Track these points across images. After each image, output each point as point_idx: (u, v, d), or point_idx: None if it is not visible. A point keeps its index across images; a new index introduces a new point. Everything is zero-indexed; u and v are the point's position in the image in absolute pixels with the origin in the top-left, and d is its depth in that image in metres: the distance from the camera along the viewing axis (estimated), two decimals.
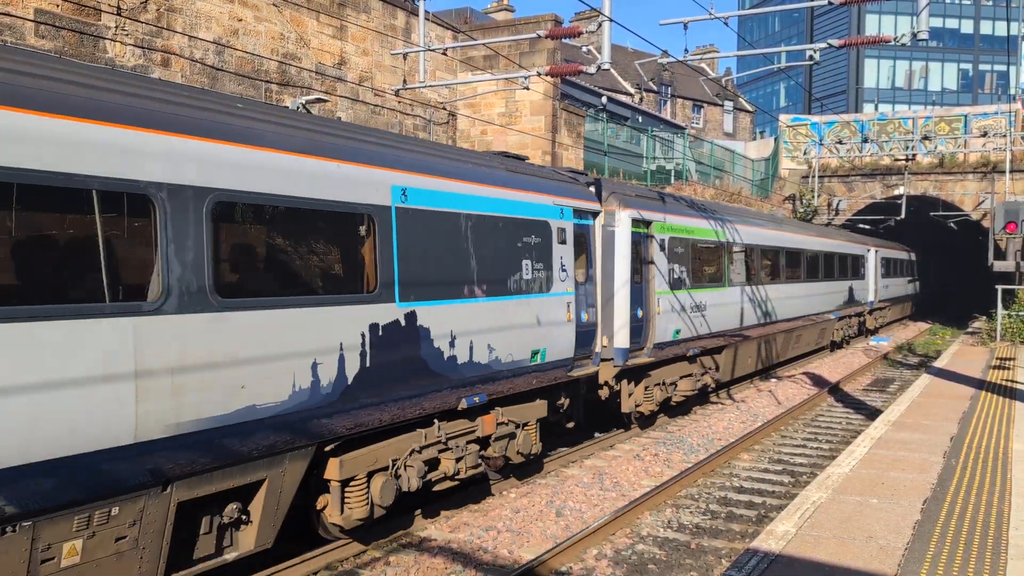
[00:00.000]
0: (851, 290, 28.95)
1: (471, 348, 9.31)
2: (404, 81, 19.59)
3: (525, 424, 10.74)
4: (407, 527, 9.40)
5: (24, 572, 5.31)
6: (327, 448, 7.71)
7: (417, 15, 18.78)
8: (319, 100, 16.96)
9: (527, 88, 16.37)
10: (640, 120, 38.28)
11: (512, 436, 10.49)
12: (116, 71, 6.70)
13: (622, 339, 12.92)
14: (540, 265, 10.69)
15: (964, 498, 7.98)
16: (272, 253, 7.17)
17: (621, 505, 10.25)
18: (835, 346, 28.83)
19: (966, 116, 38.06)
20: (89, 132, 5.66)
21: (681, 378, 15.61)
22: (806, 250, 23.61)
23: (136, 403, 5.85)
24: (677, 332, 14.90)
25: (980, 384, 15.65)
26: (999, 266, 27.64)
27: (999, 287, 24.57)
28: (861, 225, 37.99)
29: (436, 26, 20.66)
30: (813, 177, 37.43)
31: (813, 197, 37.30)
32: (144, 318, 5.90)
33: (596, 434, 14.42)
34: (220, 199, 6.51)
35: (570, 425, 12.66)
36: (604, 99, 31.04)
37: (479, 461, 9.80)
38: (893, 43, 12.82)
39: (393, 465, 8.50)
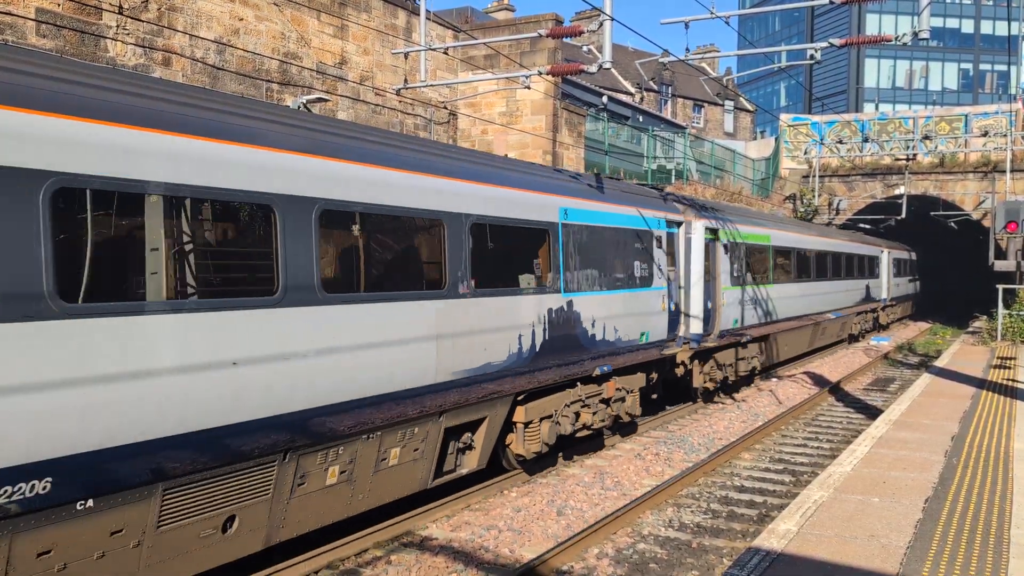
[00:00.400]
0: (868, 288, 31.49)
1: (604, 329, 12.03)
2: (405, 80, 19.58)
3: (631, 391, 13.35)
4: (409, 525, 9.40)
5: (373, 464, 8.21)
6: (519, 398, 10.40)
7: (418, 14, 18.77)
8: (320, 99, 16.96)
9: (528, 87, 16.36)
10: (641, 120, 38.28)
11: (623, 400, 13.11)
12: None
13: (696, 326, 15.51)
14: (646, 265, 13.49)
15: (966, 497, 7.98)
16: (499, 259, 10.04)
17: (622, 504, 10.25)
18: (852, 339, 31.16)
19: (967, 116, 38.06)
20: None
21: (737, 360, 18.32)
22: (831, 252, 26.14)
23: (436, 357, 8.60)
24: (736, 321, 17.64)
25: (981, 383, 15.65)
26: (1000, 265, 27.64)
27: (1000, 286, 24.57)
28: (861, 225, 37.98)
29: (437, 25, 20.66)
30: (814, 177, 37.43)
31: (814, 197, 37.30)
32: (441, 301, 8.71)
33: (667, 407, 16.82)
34: (478, 223, 9.46)
35: (654, 396, 15.24)
36: (605, 98, 31.04)
37: (605, 416, 12.45)
38: (894, 42, 12.82)
39: (554, 415, 11.18)
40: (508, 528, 9.44)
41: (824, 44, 13.22)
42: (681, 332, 15.01)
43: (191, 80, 14.80)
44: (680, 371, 15.93)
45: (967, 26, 78.13)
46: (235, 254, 6.84)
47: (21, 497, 5.15)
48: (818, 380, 21.49)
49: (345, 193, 7.56)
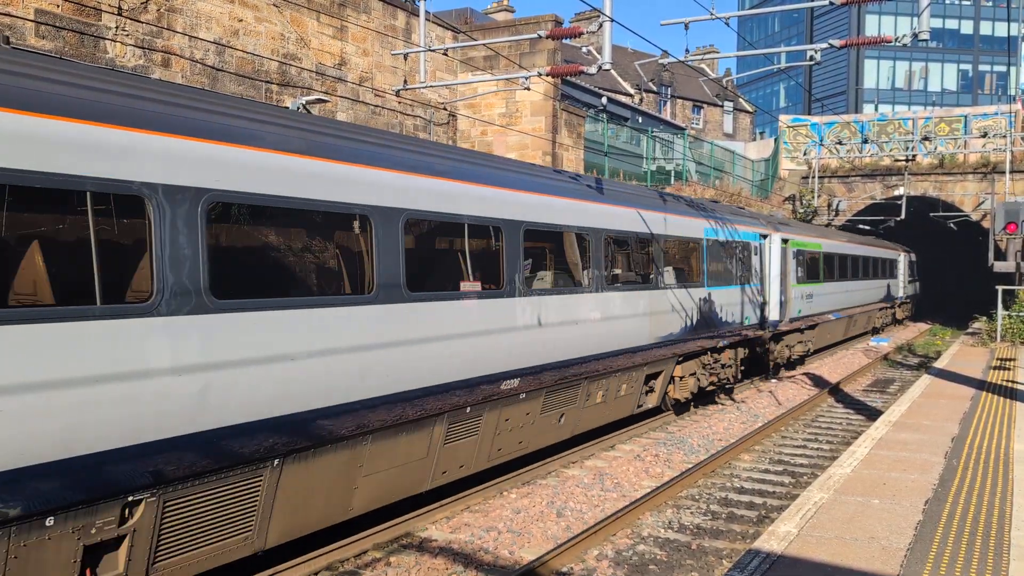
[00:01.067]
0: (888, 287, 35.62)
1: (726, 314, 16.62)
2: (404, 81, 19.58)
3: (734, 361, 17.87)
4: (408, 527, 9.39)
5: (615, 392, 12.77)
6: (678, 359, 14.93)
7: (417, 15, 18.77)
8: (320, 100, 16.96)
9: (527, 88, 16.37)
10: (640, 121, 38.26)
11: (731, 366, 17.61)
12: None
13: (776, 314, 20.26)
14: (747, 267, 18.12)
15: (966, 499, 7.97)
16: (674, 262, 14.54)
17: (622, 506, 10.24)
18: (875, 331, 35.08)
19: (966, 117, 38.06)
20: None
21: (796, 344, 23.05)
22: (864, 256, 30.61)
23: (649, 327, 13.18)
24: (799, 311, 22.28)
25: (981, 385, 15.64)
26: (999, 267, 27.63)
27: (999, 287, 24.56)
28: (861, 226, 38.00)
29: (436, 26, 20.66)
30: (813, 178, 37.43)
31: (813, 198, 37.30)
32: (649, 291, 13.26)
33: (742, 378, 19.89)
34: (665, 237, 14.06)
35: (743, 368, 19.13)
36: (604, 99, 31.04)
37: (723, 376, 17.06)
38: (894, 43, 12.82)
39: (696, 372, 15.73)
40: (508, 529, 9.43)
41: (824, 45, 13.23)
42: (771, 316, 20.02)
43: (190, 81, 14.79)
44: (760, 349, 20.59)
45: (966, 27, 78.17)
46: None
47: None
48: (818, 381, 21.49)
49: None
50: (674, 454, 13.33)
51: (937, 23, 75.19)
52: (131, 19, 13.84)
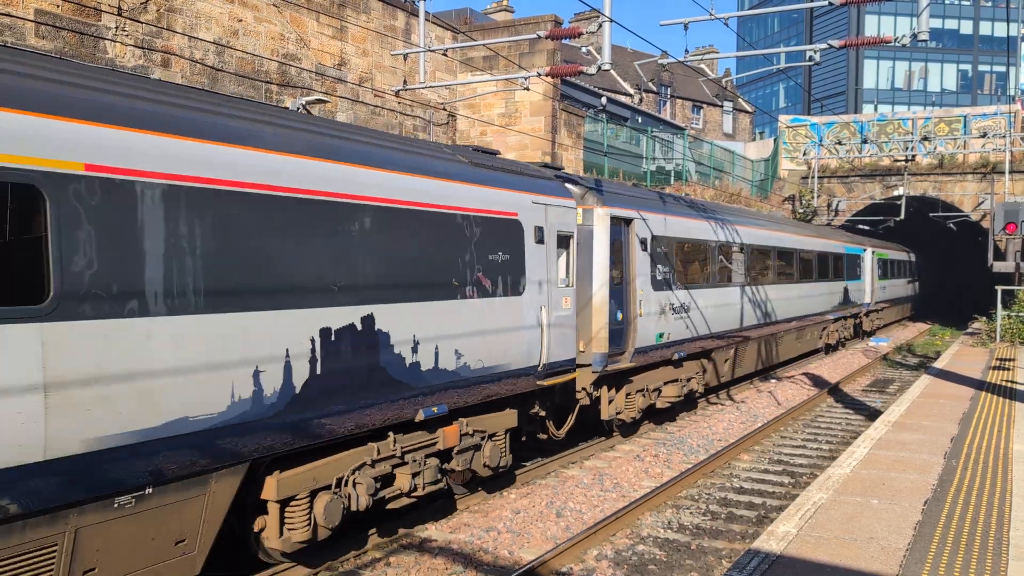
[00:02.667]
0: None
1: (854, 295, 28.60)
2: (404, 82, 19.58)
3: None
4: (408, 527, 9.40)
5: (796, 338, 23.52)
6: (832, 321, 26.97)
7: (417, 16, 18.76)
8: (319, 101, 16.96)
9: (527, 89, 16.37)
10: (640, 121, 38.27)
11: (848, 329, 29.04)
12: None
13: (868, 296, 31.39)
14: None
15: (965, 499, 7.98)
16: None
17: (621, 506, 10.25)
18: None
19: (965, 117, 38.07)
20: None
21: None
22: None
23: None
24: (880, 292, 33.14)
25: (980, 385, 15.65)
26: (999, 267, 27.62)
27: (999, 288, 24.57)
28: (860, 226, 38.00)
29: (436, 27, 20.66)
30: (812, 178, 37.44)
31: (812, 198, 37.32)
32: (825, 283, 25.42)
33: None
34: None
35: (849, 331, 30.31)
36: (604, 100, 31.03)
37: (844, 335, 27.84)
38: (893, 44, 12.82)
39: (837, 330, 27.67)
40: (507, 530, 9.44)
41: (823, 45, 13.24)
42: (866, 300, 30.99)
43: (190, 81, 14.79)
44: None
45: (966, 27, 78.18)
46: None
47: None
48: (817, 381, 21.50)
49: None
50: (674, 454, 13.33)
51: (937, 23, 75.18)
52: (131, 19, 13.85)
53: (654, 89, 52.28)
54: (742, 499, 10.94)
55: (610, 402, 13.32)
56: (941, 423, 11.88)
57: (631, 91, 48.33)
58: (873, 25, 75.03)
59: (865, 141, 36.29)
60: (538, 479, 11.73)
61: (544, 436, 12.37)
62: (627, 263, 13.47)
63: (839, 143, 37.35)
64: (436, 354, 8.71)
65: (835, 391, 19.91)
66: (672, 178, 30.14)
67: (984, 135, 32.17)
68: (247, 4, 15.87)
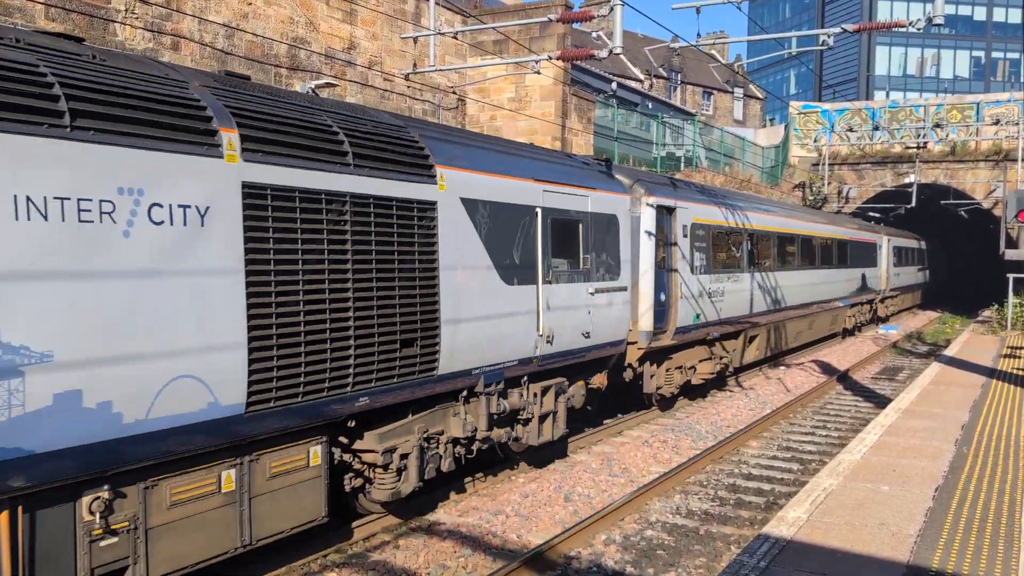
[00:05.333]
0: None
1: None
2: (414, 65, 19.51)
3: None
4: (418, 510, 9.42)
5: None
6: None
7: None
8: (329, 85, 16.90)
9: (537, 73, 16.28)
10: (650, 106, 38.09)
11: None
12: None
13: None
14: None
15: (976, 486, 7.95)
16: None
17: (630, 491, 10.25)
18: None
19: (978, 104, 37.75)
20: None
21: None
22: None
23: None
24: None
25: (991, 373, 15.59)
26: (1011, 255, 27.44)
27: (1010, 276, 24.43)
28: (871, 213, 37.81)
29: (446, 10, 20.56)
30: (823, 164, 37.24)
31: (823, 185, 37.13)
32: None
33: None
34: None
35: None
36: (614, 85, 30.85)
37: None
38: (907, 28, 12.71)
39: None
40: (515, 514, 9.45)
41: (837, 30, 13.13)
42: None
43: (199, 64, 14.76)
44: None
45: (979, 13, 77.42)
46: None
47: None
48: (826, 368, 21.44)
49: None
50: (682, 440, 13.32)
51: (950, 8, 74.42)
52: (141, 1, 13.81)
53: (664, 75, 52.01)
54: (751, 485, 10.93)
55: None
56: (952, 410, 11.83)
57: (641, 76, 48.08)
58: (885, 11, 74.38)
59: (876, 128, 36.04)
60: (546, 463, 11.73)
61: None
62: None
63: (850, 130, 37.09)
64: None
65: (844, 378, 19.86)
66: (682, 164, 30.00)
67: (997, 122, 31.92)
68: None
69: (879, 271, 32.29)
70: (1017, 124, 31.52)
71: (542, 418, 10.43)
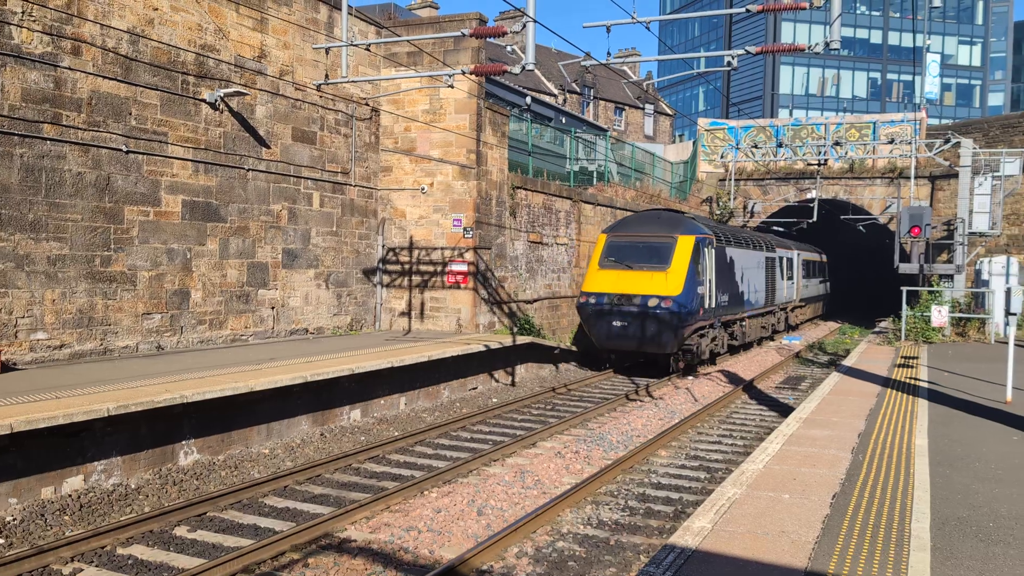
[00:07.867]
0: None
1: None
2: (326, 76, 19.32)
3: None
4: (327, 527, 9.28)
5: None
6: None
7: (340, 9, 18.52)
8: (238, 94, 16.59)
9: (451, 86, 16.33)
10: (564, 121, 38.58)
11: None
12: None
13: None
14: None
15: (871, 492, 8.28)
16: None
17: (542, 503, 10.33)
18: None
19: (875, 123, 39.48)
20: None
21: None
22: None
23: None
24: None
25: (886, 382, 16.27)
26: (904, 268, 28.80)
27: (904, 288, 25.58)
28: (775, 228, 39.10)
29: (359, 21, 20.43)
30: (729, 180, 38.38)
31: (729, 199, 38.23)
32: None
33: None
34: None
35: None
36: (528, 99, 31.16)
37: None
38: (807, 51, 13.22)
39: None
40: (428, 529, 9.41)
41: (740, 51, 13.57)
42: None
43: (101, 71, 14.30)
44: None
45: (876, 36, 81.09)
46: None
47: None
48: (732, 378, 22.03)
49: None
50: (594, 451, 13.49)
51: (849, 32, 77.78)
52: (39, 4, 13.30)
53: (577, 90, 52.74)
54: (660, 494, 11.15)
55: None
56: (849, 419, 12.30)
57: (555, 91, 48.66)
58: (789, 33, 77.21)
59: (780, 145, 37.33)
60: (460, 477, 11.72)
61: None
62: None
63: (755, 146, 38.29)
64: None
65: (750, 388, 20.44)
66: (595, 179, 30.45)
67: (892, 141, 33.43)
68: None
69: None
70: (910, 143, 33.10)
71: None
